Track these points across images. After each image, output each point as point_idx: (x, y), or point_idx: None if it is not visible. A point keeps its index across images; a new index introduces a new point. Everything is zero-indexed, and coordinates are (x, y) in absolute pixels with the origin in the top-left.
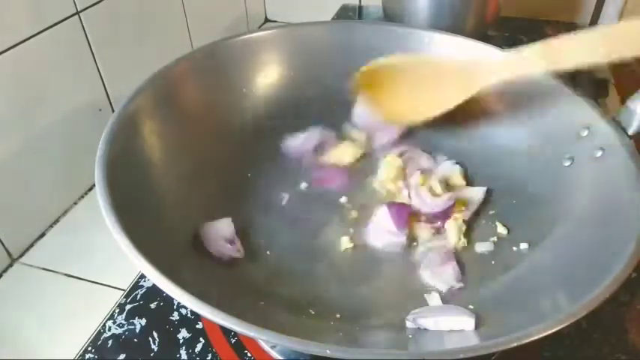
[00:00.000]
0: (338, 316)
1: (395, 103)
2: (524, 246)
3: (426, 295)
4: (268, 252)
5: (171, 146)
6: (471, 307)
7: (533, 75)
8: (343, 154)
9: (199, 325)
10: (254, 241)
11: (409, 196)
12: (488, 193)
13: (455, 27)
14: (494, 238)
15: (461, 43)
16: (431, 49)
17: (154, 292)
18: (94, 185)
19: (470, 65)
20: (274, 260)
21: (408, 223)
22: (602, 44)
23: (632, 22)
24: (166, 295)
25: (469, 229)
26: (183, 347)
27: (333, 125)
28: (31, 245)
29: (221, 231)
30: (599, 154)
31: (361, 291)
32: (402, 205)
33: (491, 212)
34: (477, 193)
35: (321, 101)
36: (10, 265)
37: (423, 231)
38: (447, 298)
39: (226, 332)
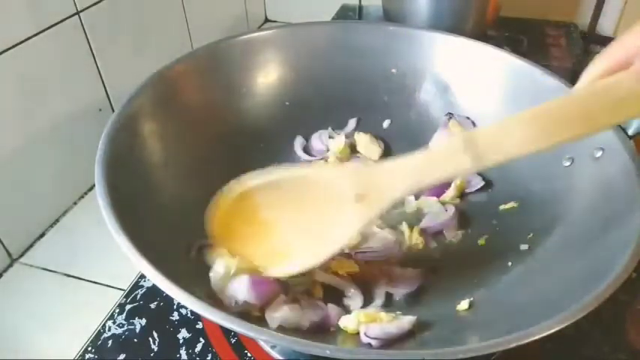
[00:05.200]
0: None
1: (268, 243)
2: (524, 246)
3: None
4: None
5: (172, 146)
6: (471, 307)
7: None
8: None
9: (199, 325)
10: None
11: None
12: (489, 193)
13: (455, 27)
14: (494, 239)
15: (461, 43)
16: (431, 49)
17: (154, 292)
18: (94, 185)
19: (369, 179)
20: None
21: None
22: (537, 130)
23: (570, 98)
24: (166, 295)
25: (468, 228)
26: (183, 347)
27: (333, 125)
28: (31, 245)
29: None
30: (599, 154)
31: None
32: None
33: (491, 212)
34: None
35: (321, 101)
36: (10, 265)
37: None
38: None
39: (226, 332)
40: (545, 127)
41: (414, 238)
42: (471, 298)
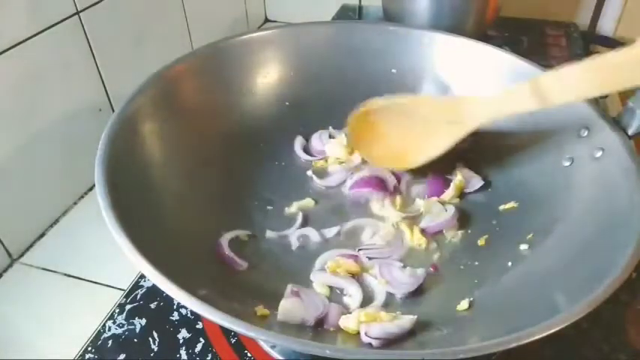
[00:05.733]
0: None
1: (386, 147)
2: (524, 246)
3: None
4: (268, 252)
5: (171, 146)
6: (471, 307)
7: (523, 112)
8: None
9: (199, 325)
10: (254, 241)
11: None
12: (489, 193)
13: (455, 27)
14: (494, 239)
15: (461, 43)
16: (431, 49)
17: (154, 292)
18: (94, 185)
19: (458, 108)
20: (273, 260)
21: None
22: (594, 78)
23: (626, 52)
24: (166, 295)
25: (468, 228)
26: (183, 347)
27: (333, 125)
28: (31, 245)
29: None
30: (599, 154)
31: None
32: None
33: (490, 212)
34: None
35: (321, 101)
36: (10, 265)
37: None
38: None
39: (226, 332)
40: (602, 76)
41: (416, 239)
42: (471, 298)
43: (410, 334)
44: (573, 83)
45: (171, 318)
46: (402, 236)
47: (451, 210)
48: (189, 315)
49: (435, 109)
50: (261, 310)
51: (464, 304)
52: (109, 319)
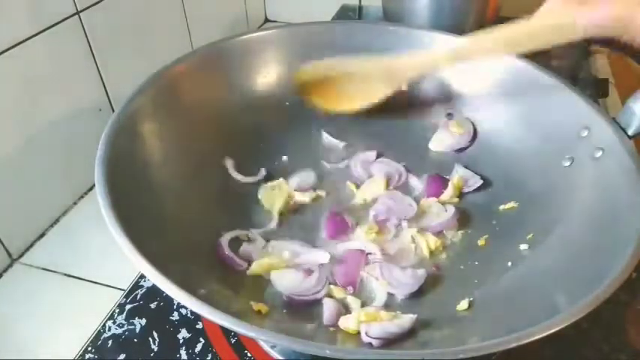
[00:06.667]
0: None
1: (331, 96)
2: (524, 246)
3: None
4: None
5: (171, 146)
6: (471, 307)
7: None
8: None
9: (199, 325)
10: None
11: None
12: (489, 193)
13: (455, 27)
14: (494, 239)
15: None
16: (431, 49)
17: (154, 292)
18: (94, 185)
19: (390, 67)
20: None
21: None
22: (505, 42)
23: (532, 20)
24: (166, 295)
25: (468, 228)
26: (183, 347)
27: (333, 125)
28: (31, 245)
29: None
30: (599, 154)
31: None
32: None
33: (490, 212)
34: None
35: None
36: (10, 265)
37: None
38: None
39: (226, 332)
40: (508, 41)
41: (433, 245)
42: (471, 298)
43: (410, 334)
44: (487, 46)
45: (171, 318)
46: (417, 245)
47: (451, 210)
48: (189, 315)
49: (370, 67)
50: (257, 305)
51: (464, 304)
52: (109, 319)
